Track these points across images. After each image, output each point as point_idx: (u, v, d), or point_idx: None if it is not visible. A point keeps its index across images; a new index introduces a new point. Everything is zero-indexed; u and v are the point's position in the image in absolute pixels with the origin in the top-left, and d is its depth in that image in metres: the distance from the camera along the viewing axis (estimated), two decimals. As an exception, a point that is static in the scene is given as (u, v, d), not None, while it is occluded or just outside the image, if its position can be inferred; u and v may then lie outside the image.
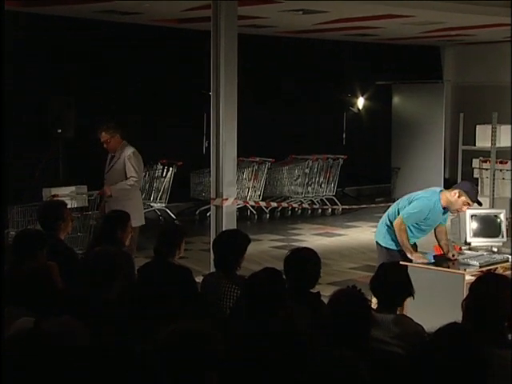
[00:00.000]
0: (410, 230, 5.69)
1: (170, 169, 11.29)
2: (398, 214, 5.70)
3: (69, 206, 7.94)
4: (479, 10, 9.85)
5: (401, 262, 5.46)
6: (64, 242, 5.22)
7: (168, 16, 10.72)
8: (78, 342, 2.54)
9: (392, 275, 3.73)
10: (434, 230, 5.86)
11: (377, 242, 5.90)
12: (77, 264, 4.75)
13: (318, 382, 2.20)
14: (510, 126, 7.55)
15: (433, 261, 5.59)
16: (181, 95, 11.98)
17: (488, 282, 3.11)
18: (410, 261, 5.54)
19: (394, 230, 5.70)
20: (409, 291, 3.75)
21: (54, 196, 7.72)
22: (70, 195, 8.02)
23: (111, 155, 7.25)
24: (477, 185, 7.94)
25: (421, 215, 5.61)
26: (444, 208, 5.63)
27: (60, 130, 9.65)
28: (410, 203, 5.69)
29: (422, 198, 5.64)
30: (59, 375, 2.35)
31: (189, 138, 12.12)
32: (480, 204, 5.74)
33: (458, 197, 5.56)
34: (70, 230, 5.32)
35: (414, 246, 5.86)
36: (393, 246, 5.75)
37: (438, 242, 5.83)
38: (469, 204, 5.62)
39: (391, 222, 5.76)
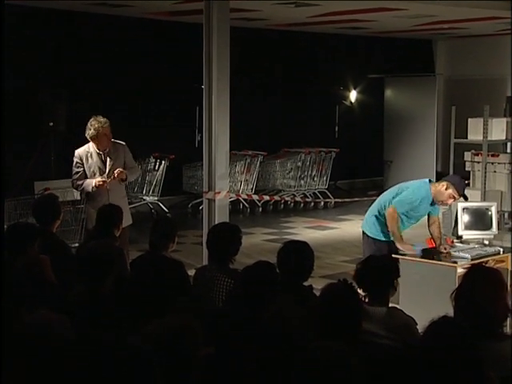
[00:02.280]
0: (400, 220, 5.69)
1: (163, 162, 11.27)
2: (389, 204, 5.70)
3: (61, 200, 7.96)
4: (471, 3, 9.86)
5: (393, 255, 5.49)
6: (56, 235, 5.20)
7: (160, 9, 10.68)
8: (57, 335, 2.53)
9: (381, 268, 3.71)
10: (428, 222, 5.87)
11: (363, 232, 5.90)
12: (70, 258, 4.74)
13: (309, 373, 2.21)
14: (501, 120, 7.58)
15: (420, 254, 5.60)
16: (173, 88, 11.95)
17: (476, 274, 3.12)
18: (400, 254, 5.55)
19: (382, 221, 5.71)
20: (394, 282, 3.71)
21: (46, 189, 7.71)
22: (61, 188, 8.00)
23: (100, 152, 6.35)
24: (468, 178, 7.97)
25: (413, 203, 5.61)
26: (432, 198, 5.65)
27: (52, 123, 9.61)
28: (399, 193, 5.70)
29: (412, 187, 5.67)
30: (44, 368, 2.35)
31: (181, 132, 12.10)
32: (466, 198, 5.75)
33: (446, 189, 5.58)
34: (59, 222, 5.31)
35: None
36: (379, 237, 5.76)
37: (431, 235, 5.85)
38: (454, 198, 5.63)
39: (379, 213, 5.77)
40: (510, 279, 5.69)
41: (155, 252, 4.61)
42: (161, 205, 11.24)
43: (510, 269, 5.72)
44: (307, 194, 12.53)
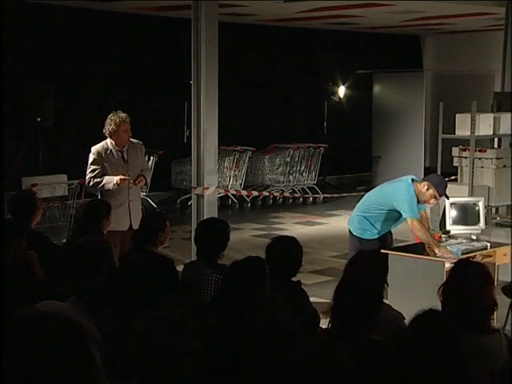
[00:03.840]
0: (389, 220, 5.70)
1: (151, 158, 11.23)
2: (377, 206, 5.68)
3: (49, 195, 7.93)
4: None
5: (382, 251, 5.51)
6: (36, 230, 5.16)
7: (148, 4, 10.63)
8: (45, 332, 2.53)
9: (370, 263, 3.72)
10: None
11: (349, 230, 5.92)
12: (55, 252, 4.72)
13: (298, 367, 2.22)
14: (489, 115, 7.61)
15: (460, 255, 5.45)
16: (162, 84, 11.92)
17: (463, 268, 3.15)
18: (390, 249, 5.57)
19: (367, 220, 5.71)
20: (385, 279, 3.73)
21: (34, 185, 7.67)
22: (49, 184, 7.97)
23: (120, 150, 6.15)
24: (456, 173, 8.01)
25: (415, 201, 5.54)
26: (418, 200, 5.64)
27: (39, 119, 9.57)
28: (388, 197, 5.64)
29: (403, 190, 5.56)
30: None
31: (170, 127, 12.07)
32: (447, 197, 5.75)
33: (427, 189, 5.56)
34: (39, 219, 5.25)
35: (389, 234, 5.87)
36: (364, 236, 5.77)
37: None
38: (436, 198, 5.63)
39: (365, 212, 5.77)
40: (496, 274, 5.73)
41: (144, 248, 4.61)
42: (149, 200, 11.22)
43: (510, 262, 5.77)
44: (296, 190, 12.55)
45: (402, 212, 5.54)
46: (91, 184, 6.17)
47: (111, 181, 6.03)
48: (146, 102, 11.77)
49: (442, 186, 5.58)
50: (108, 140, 6.18)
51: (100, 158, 6.11)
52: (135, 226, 5.96)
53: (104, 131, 6.16)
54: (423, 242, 5.60)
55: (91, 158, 6.17)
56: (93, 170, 6.12)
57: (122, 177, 6.03)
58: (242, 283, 3.33)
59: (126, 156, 6.20)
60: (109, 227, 5.19)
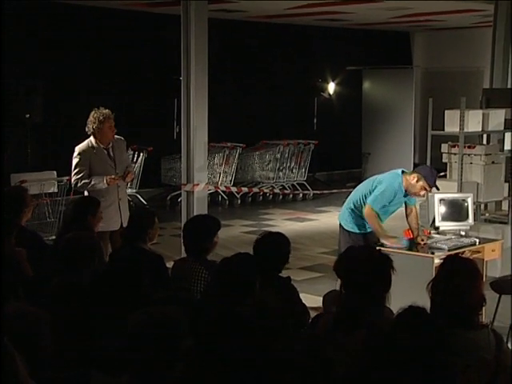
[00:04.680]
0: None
1: (141, 154, 11.22)
2: (365, 198, 5.72)
3: (38, 192, 7.90)
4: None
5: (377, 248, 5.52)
6: (26, 227, 5.14)
7: None
8: (33, 329, 2.53)
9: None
10: (405, 212, 5.91)
11: (340, 224, 5.94)
12: (44, 250, 4.70)
13: (288, 362, 2.22)
14: (478, 111, 7.63)
15: (405, 245, 5.62)
16: (151, 80, 11.89)
17: (452, 264, 3.16)
18: (380, 245, 5.59)
19: (357, 214, 5.75)
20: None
21: (23, 182, 7.63)
22: (38, 181, 7.94)
23: (103, 148, 6.02)
24: (445, 169, 8.03)
25: (387, 198, 5.63)
26: (405, 190, 5.67)
27: (28, 115, 9.52)
28: (374, 188, 5.71)
29: (385, 181, 5.66)
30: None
31: (159, 124, 12.04)
32: (438, 189, 5.77)
33: (417, 181, 5.59)
34: (29, 215, 5.22)
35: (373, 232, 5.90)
36: (354, 229, 5.80)
37: (409, 225, 5.88)
38: (426, 189, 5.66)
39: (354, 206, 5.80)
40: (485, 269, 5.76)
41: (133, 244, 4.60)
42: (139, 197, 11.20)
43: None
44: (286, 186, 12.56)
45: (369, 193, 5.61)
46: (79, 185, 6.01)
47: (101, 181, 5.91)
48: (135, 98, 11.74)
49: (432, 178, 5.60)
50: (91, 138, 6.00)
51: (85, 158, 5.94)
52: (125, 224, 5.87)
53: (87, 130, 5.99)
54: (373, 230, 5.64)
55: (76, 158, 5.98)
56: (79, 172, 5.95)
57: (112, 176, 5.92)
58: (231, 280, 3.33)
59: (111, 153, 6.05)
60: (99, 227, 5.16)
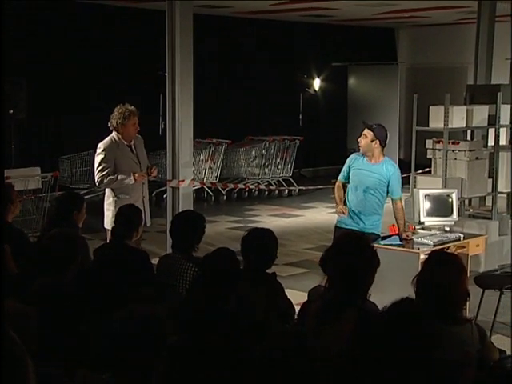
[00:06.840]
0: (348, 193, 5.78)
1: (126, 150, 11.17)
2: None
3: (22, 188, 7.85)
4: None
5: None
6: (12, 224, 5.10)
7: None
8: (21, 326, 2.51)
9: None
10: (393, 208, 5.91)
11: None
12: (29, 247, 4.67)
13: (273, 359, 2.22)
14: (462, 107, 7.67)
15: (345, 216, 5.63)
16: (136, 76, 11.84)
17: (437, 259, 3.18)
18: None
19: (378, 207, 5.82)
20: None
21: (7, 178, 7.58)
22: (22, 177, 7.89)
23: (126, 144, 5.89)
24: (430, 165, 8.07)
25: (346, 164, 5.88)
26: (363, 154, 5.72)
27: (11, 111, 9.45)
28: None
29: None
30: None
31: (145, 119, 11.92)
32: (371, 127, 5.70)
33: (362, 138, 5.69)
34: (17, 212, 5.18)
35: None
36: (339, 224, 5.82)
37: (396, 221, 5.89)
38: (365, 135, 5.65)
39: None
40: (469, 264, 5.80)
41: (118, 241, 4.58)
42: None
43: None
44: (271, 182, 12.57)
45: None
46: (105, 182, 5.82)
47: (127, 176, 5.78)
48: (120, 93, 11.66)
49: (369, 124, 5.70)
50: (114, 134, 5.85)
51: (110, 155, 5.78)
52: (149, 223, 6.02)
53: (109, 124, 5.84)
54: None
55: (101, 155, 5.79)
56: (104, 168, 5.78)
57: (140, 173, 5.83)
58: (213, 275, 3.32)
59: (134, 150, 5.93)
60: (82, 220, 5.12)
